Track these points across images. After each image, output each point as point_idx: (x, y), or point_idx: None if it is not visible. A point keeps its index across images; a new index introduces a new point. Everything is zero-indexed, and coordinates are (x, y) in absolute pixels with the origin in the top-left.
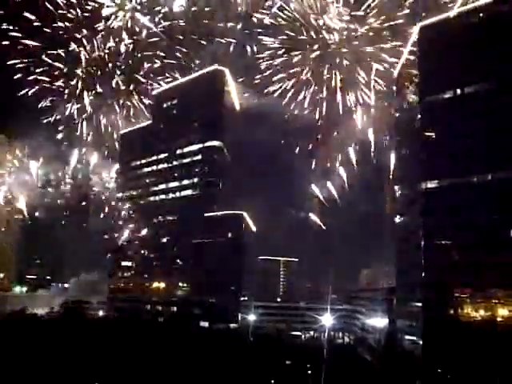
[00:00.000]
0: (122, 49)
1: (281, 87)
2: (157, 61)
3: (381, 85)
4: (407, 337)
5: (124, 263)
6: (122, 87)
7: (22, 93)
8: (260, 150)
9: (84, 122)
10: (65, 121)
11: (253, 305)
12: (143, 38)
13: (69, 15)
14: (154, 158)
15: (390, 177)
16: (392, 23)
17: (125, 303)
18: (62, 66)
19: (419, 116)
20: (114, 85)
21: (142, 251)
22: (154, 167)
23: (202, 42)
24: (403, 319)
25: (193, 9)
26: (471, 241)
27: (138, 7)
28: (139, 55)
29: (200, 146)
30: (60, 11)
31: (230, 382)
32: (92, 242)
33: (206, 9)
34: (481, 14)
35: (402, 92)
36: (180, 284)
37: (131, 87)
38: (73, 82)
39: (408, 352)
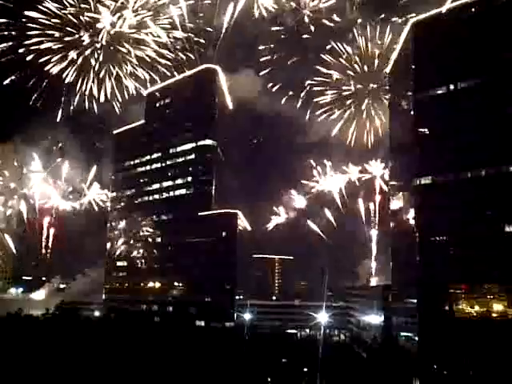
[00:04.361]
0: None
1: None
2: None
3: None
4: (403, 333)
5: (119, 263)
6: None
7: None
8: (253, 148)
9: None
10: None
11: (248, 303)
12: None
13: None
14: (148, 157)
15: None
16: None
17: (120, 303)
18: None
19: (413, 111)
20: None
21: (137, 251)
22: (148, 167)
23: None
24: (399, 316)
25: None
26: (466, 236)
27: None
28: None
29: (193, 145)
30: None
31: (227, 381)
32: (87, 242)
33: None
34: (473, 9)
35: (394, 88)
36: (175, 283)
37: None
38: None
39: (404, 348)
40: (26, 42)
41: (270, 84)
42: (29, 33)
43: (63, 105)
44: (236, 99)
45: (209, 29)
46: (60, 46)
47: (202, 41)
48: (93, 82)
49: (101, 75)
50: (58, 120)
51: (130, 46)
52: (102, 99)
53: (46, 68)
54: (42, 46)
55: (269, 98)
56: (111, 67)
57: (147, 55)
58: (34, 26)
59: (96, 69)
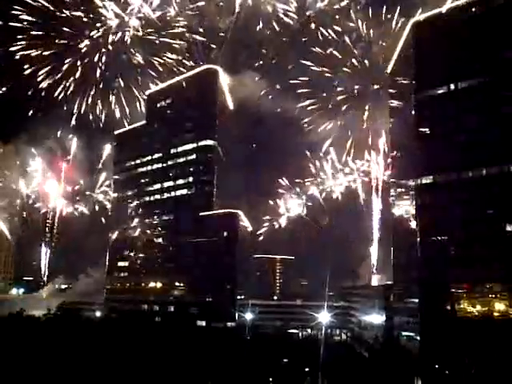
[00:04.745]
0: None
1: None
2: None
3: None
4: (405, 333)
5: (120, 263)
6: None
7: None
8: (254, 148)
9: None
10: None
11: (249, 303)
12: None
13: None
14: (149, 157)
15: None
16: None
17: (121, 304)
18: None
19: (413, 111)
20: None
21: (138, 251)
22: (149, 167)
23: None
24: (400, 315)
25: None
26: (467, 236)
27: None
28: None
29: (194, 145)
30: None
31: (228, 380)
32: (90, 242)
33: None
34: (473, 9)
35: (395, 87)
36: (176, 284)
37: None
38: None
39: (406, 348)
40: (14, 49)
41: (273, 85)
42: (19, 36)
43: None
44: (238, 100)
45: (218, 31)
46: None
47: (208, 42)
48: (95, 91)
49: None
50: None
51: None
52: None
53: (39, 79)
54: (35, 53)
55: (271, 99)
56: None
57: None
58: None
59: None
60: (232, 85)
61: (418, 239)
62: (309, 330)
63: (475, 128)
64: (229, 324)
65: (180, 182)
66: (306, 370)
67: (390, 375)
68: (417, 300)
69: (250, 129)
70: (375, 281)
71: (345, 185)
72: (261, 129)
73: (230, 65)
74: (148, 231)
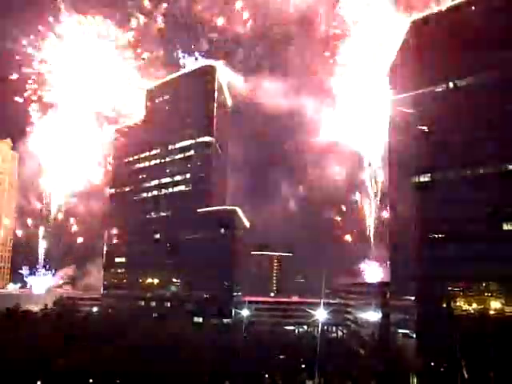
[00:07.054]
0: None
1: None
2: None
3: None
4: (401, 330)
5: (117, 259)
6: None
7: None
8: (252, 145)
9: None
10: None
11: (246, 300)
12: None
13: None
14: (147, 153)
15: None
16: None
17: (119, 299)
18: None
19: (412, 109)
20: None
21: (136, 247)
22: (147, 163)
23: None
24: (396, 313)
25: None
26: (464, 234)
27: None
28: None
29: (192, 141)
30: None
31: (225, 376)
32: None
33: None
34: (473, 7)
35: (394, 86)
36: (173, 280)
37: None
38: None
39: (401, 345)
40: None
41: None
42: None
43: None
44: (244, 98)
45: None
46: None
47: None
48: None
49: None
50: None
51: None
52: None
53: None
54: None
55: (280, 98)
56: None
57: None
58: None
59: None
60: (242, 84)
61: (416, 237)
62: (305, 327)
63: (474, 126)
64: (225, 320)
65: (178, 178)
66: (303, 366)
67: (385, 372)
68: (413, 297)
69: (248, 126)
70: (372, 278)
71: (344, 182)
72: (267, 127)
73: (246, 65)
74: (145, 227)
